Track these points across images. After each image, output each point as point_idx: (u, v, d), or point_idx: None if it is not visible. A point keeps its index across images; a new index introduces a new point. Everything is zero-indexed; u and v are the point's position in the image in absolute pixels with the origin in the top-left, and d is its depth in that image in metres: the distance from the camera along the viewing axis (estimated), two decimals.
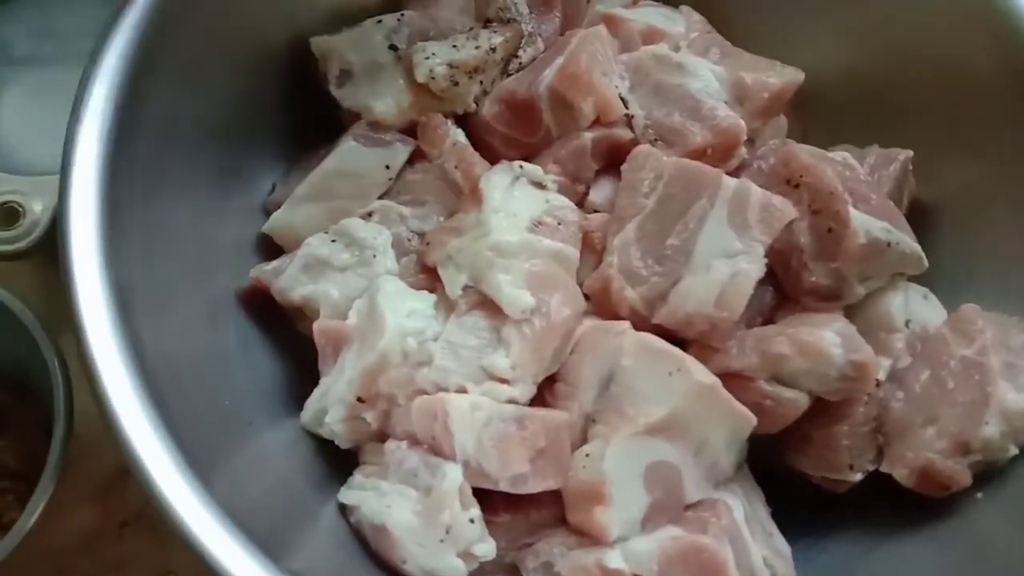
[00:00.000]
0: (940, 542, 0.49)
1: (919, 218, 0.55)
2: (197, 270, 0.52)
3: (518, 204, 0.52)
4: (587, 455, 0.47)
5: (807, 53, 0.60)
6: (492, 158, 0.56)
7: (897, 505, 0.50)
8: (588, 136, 0.55)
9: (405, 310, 0.50)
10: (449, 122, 0.56)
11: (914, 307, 0.53)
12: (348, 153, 0.55)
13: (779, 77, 0.57)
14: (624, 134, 0.55)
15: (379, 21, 0.58)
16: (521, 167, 0.53)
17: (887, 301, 0.52)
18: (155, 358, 0.43)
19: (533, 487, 0.46)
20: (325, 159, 0.56)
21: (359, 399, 0.49)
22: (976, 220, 0.57)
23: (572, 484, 0.47)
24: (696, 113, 0.54)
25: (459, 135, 0.56)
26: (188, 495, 0.40)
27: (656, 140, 0.55)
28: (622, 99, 0.56)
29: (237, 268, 0.55)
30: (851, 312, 0.52)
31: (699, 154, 0.53)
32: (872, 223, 0.50)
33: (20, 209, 0.59)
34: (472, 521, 0.45)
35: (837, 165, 0.52)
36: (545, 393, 0.50)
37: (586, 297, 0.52)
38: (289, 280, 0.53)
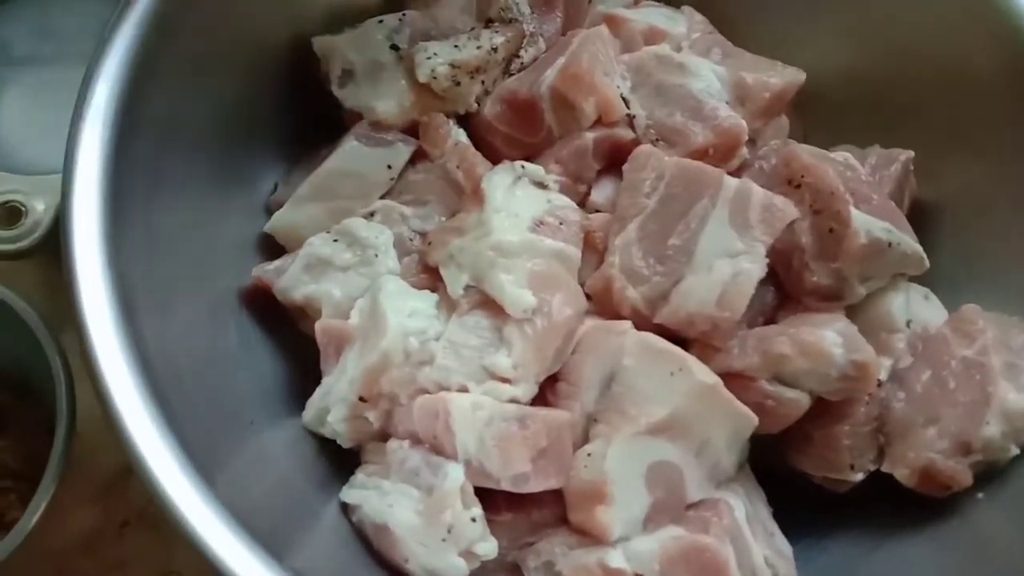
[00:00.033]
0: (941, 542, 0.49)
1: (920, 218, 0.56)
2: (199, 269, 0.52)
3: (520, 204, 0.52)
4: (589, 455, 0.47)
5: (808, 53, 0.60)
6: (494, 158, 0.56)
7: (898, 505, 0.50)
8: (590, 136, 0.55)
9: (407, 310, 0.50)
10: (451, 122, 0.56)
11: (915, 307, 0.53)
12: (350, 153, 0.56)
13: (780, 77, 0.57)
14: (626, 134, 0.55)
15: (381, 21, 0.58)
16: (523, 167, 0.53)
17: (888, 301, 0.52)
18: (157, 357, 0.43)
19: (535, 486, 0.46)
20: (327, 159, 0.56)
21: (361, 398, 0.49)
22: (977, 220, 0.57)
23: (574, 483, 0.47)
24: (698, 113, 0.54)
25: (461, 135, 0.57)
26: (191, 494, 0.40)
27: (658, 140, 0.55)
28: (624, 99, 0.56)
29: (239, 268, 0.55)
30: (852, 312, 0.52)
31: (701, 154, 0.54)
32: (873, 223, 0.50)
33: (22, 208, 0.59)
34: (474, 520, 0.45)
35: (838, 165, 0.52)
36: (547, 393, 0.50)
37: (588, 297, 0.52)
38: (291, 280, 0.53)
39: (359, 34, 0.58)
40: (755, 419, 0.48)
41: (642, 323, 0.50)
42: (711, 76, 0.56)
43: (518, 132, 0.57)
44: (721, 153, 0.54)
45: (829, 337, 0.48)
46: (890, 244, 0.50)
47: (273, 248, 0.57)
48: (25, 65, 0.68)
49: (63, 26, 0.69)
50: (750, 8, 0.64)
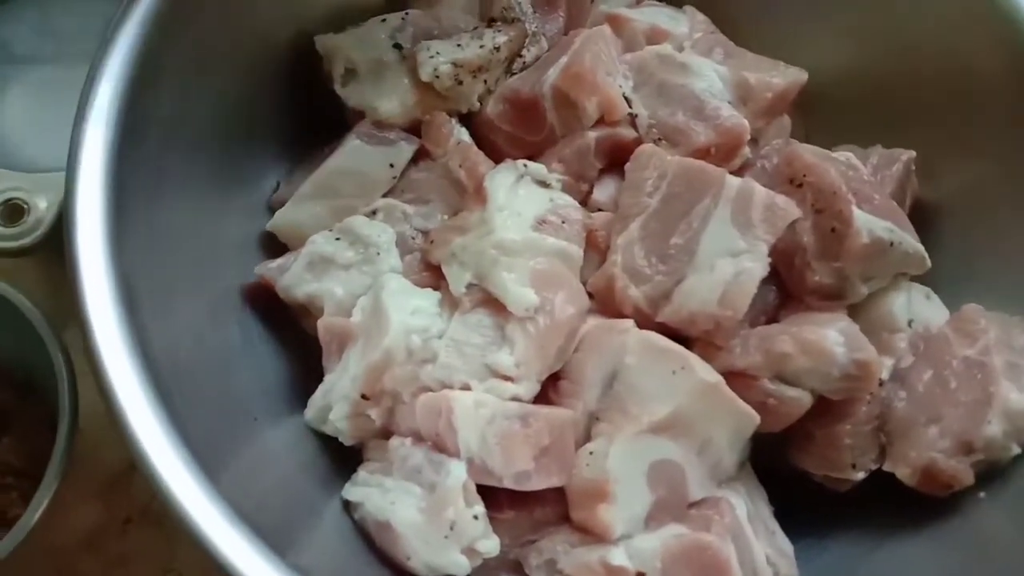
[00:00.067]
0: (942, 541, 0.50)
1: (922, 218, 0.56)
2: (202, 267, 0.52)
3: (522, 202, 0.52)
4: (591, 453, 0.47)
5: (810, 53, 0.60)
6: (496, 157, 0.56)
7: (899, 504, 0.51)
8: (592, 135, 0.55)
9: (409, 308, 0.50)
10: (453, 121, 0.57)
11: (917, 307, 0.53)
12: (352, 151, 0.56)
13: (783, 77, 0.57)
14: (628, 133, 0.56)
15: (384, 20, 0.58)
16: (525, 166, 0.54)
17: (890, 301, 0.52)
18: (161, 354, 0.43)
19: (537, 484, 0.47)
20: (329, 157, 0.56)
21: (363, 396, 0.49)
22: (979, 220, 0.57)
23: (576, 482, 0.47)
24: (700, 113, 0.55)
25: (463, 134, 0.57)
26: (194, 490, 0.40)
27: (660, 139, 0.55)
28: (626, 98, 0.56)
29: (242, 266, 0.55)
30: (854, 312, 0.52)
31: (703, 153, 0.54)
32: (875, 223, 0.50)
33: (24, 206, 0.59)
34: (476, 518, 0.46)
35: (840, 165, 0.52)
36: (549, 391, 0.50)
37: (590, 296, 0.52)
38: (293, 278, 0.53)
39: (362, 33, 0.58)
40: (757, 418, 0.48)
41: (644, 322, 0.50)
42: (713, 76, 0.56)
43: (520, 131, 0.57)
44: (723, 153, 0.54)
45: (831, 336, 0.48)
46: (892, 244, 0.50)
47: (275, 246, 0.57)
48: (27, 63, 0.69)
49: (64, 25, 0.69)
50: (752, 8, 0.64)
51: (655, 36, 0.59)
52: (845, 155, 0.54)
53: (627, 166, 0.54)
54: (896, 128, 0.59)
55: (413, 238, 0.55)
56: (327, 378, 0.52)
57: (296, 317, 0.55)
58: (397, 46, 0.57)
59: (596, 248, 0.53)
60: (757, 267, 0.49)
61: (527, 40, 0.59)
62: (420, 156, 0.57)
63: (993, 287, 0.55)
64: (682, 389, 0.47)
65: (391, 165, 0.56)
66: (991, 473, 0.49)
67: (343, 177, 0.56)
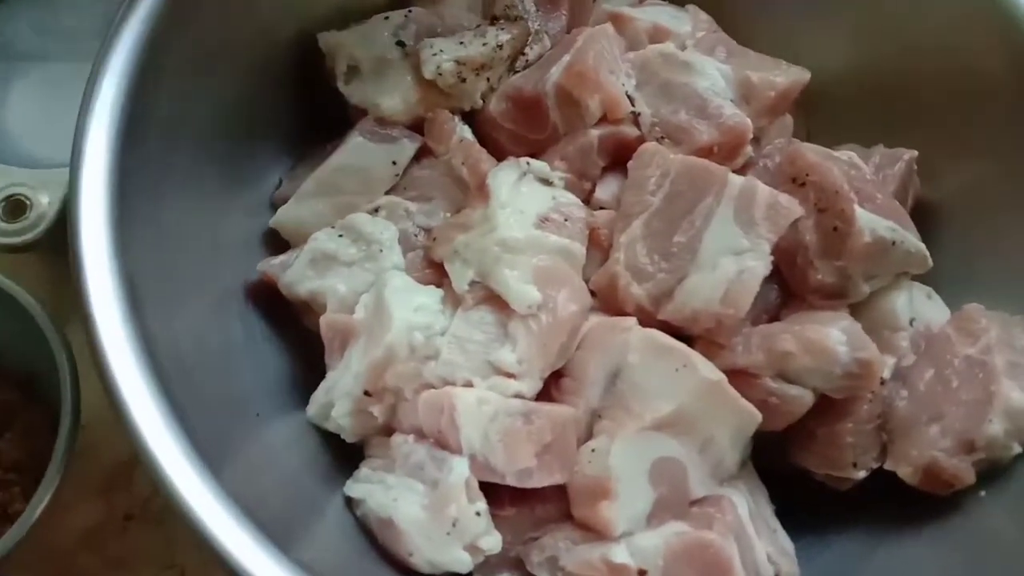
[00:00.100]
0: (943, 540, 0.50)
1: (924, 218, 0.56)
2: (205, 264, 0.52)
3: (525, 200, 0.52)
4: (593, 450, 0.47)
5: (812, 53, 0.60)
6: (499, 155, 0.56)
7: (900, 503, 0.51)
8: (595, 133, 0.55)
9: (412, 305, 0.50)
10: (456, 118, 0.57)
11: (918, 306, 0.53)
12: (355, 149, 0.56)
13: (785, 76, 0.57)
14: (631, 132, 0.56)
15: (387, 17, 0.58)
16: (528, 163, 0.54)
17: (892, 300, 0.52)
18: (164, 350, 0.43)
19: (539, 481, 0.47)
20: (332, 154, 0.56)
21: (366, 393, 0.49)
22: (980, 220, 0.57)
23: (578, 479, 0.47)
24: (702, 111, 0.55)
25: (466, 131, 0.57)
26: (197, 486, 0.40)
27: (662, 138, 0.55)
28: (629, 97, 0.56)
29: (244, 262, 0.55)
30: (856, 310, 0.52)
31: (705, 152, 0.54)
32: (877, 222, 0.50)
33: (27, 202, 0.59)
34: (478, 514, 0.46)
35: (843, 164, 0.52)
36: (551, 388, 0.50)
37: (592, 293, 0.52)
38: (296, 274, 0.53)
39: (365, 30, 0.58)
40: (759, 416, 0.48)
41: (646, 320, 0.50)
42: (716, 74, 0.56)
43: (523, 129, 0.57)
44: (726, 151, 0.54)
45: (833, 335, 0.48)
46: (894, 243, 0.51)
47: (278, 243, 0.57)
48: (29, 60, 0.69)
49: (65, 22, 0.69)
50: (754, 7, 0.64)
51: (658, 35, 0.59)
52: (847, 154, 0.54)
53: (630, 164, 0.54)
54: (897, 127, 0.59)
55: (416, 235, 0.55)
56: (329, 375, 0.52)
57: (298, 314, 0.55)
58: (400, 43, 0.57)
59: (598, 246, 0.53)
60: (759, 265, 0.49)
61: (530, 38, 0.59)
62: (423, 154, 0.57)
63: (994, 286, 0.55)
64: (684, 387, 0.47)
65: (394, 162, 0.56)
66: (992, 472, 0.50)
67: (346, 174, 0.56)
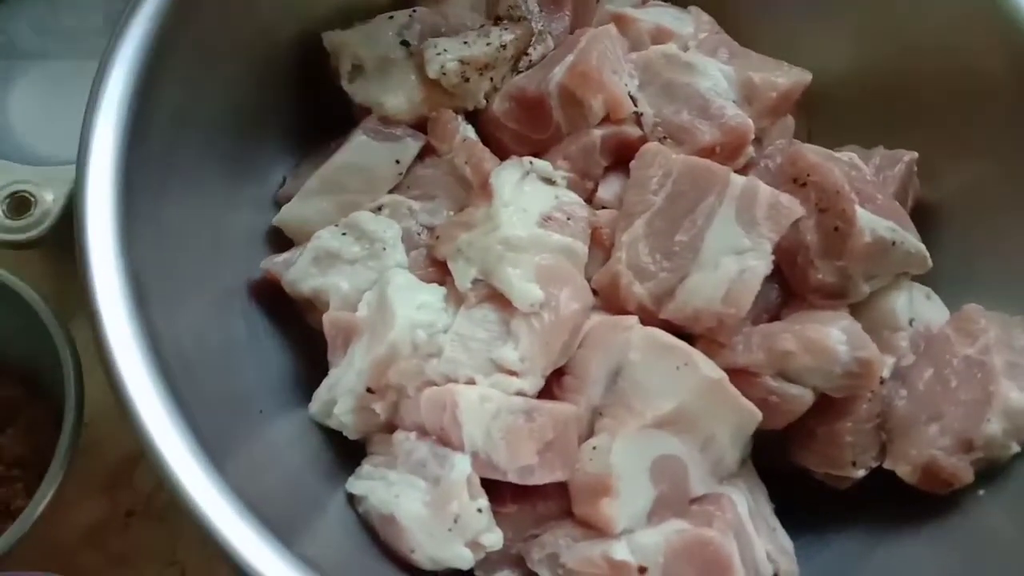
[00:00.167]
0: (942, 539, 0.50)
1: (923, 218, 0.56)
2: (208, 261, 0.52)
3: (528, 199, 0.52)
4: (594, 448, 0.47)
5: (814, 54, 0.60)
6: (502, 154, 0.56)
7: (899, 502, 0.51)
8: (597, 133, 0.55)
9: (415, 303, 0.50)
10: (459, 118, 0.57)
11: (918, 306, 0.54)
12: (359, 147, 0.56)
13: (787, 77, 0.57)
14: (633, 131, 0.56)
15: (391, 17, 0.58)
16: (531, 163, 0.54)
17: (891, 300, 0.53)
18: (169, 346, 0.44)
19: (540, 479, 0.47)
20: (336, 153, 0.56)
21: (368, 390, 0.49)
22: (980, 221, 0.57)
23: (579, 476, 0.48)
24: (705, 112, 0.55)
25: (469, 131, 0.57)
26: (202, 481, 0.40)
27: (665, 138, 0.55)
28: (631, 97, 0.56)
29: (248, 260, 0.55)
30: (856, 310, 0.52)
31: (707, 152, 0.54)
32: (878, 222, 0.51)
33: (31, 199, 0.59)
34: (480, 511, 0.46)
35: (844, 165, 0.53)
36: (553, 386, 0.50)
37: (594, 292, 0.52)
38: (299, 272, 0.54)
39: (369, 30, 0.58)
40: (759, 414, 0.48)
41: (648, 319, 0.50)
42: (718, 75, 0.56)
43: (526, 129, 0.57)
44: (728, 151, 0.54)
45: (833, 334, 0.49)
46: (894, 243, 0.51)
47: (282, 241, 0.57)
48: (32, 59, 0.69)
49: (67, 21, 0.69)
50: (756, 9, 0.65)
51: (660, 36, 0.60)
52: (848, 155, 0.55)
53: (632, 164, 0.54)
54: (898, 128, 0.59)
55: (419, 234, 0.55)
56: (332, 372, 0.52)
57: (301, 311, 0.55)
58: (404, 43, 0.57)
59: (601, 245, 0.53)
60: (761, 265, 0.49)
61: (533, 38, 0.59)
62: (426, 152, 0.57)
63: (993, 287, 0.55)
64: (685, 385, 0.47)
65: (397, 161, 0.56)
66: (991, 471, 0.50)
67: (349, 173, 0.56)
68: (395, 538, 0.47)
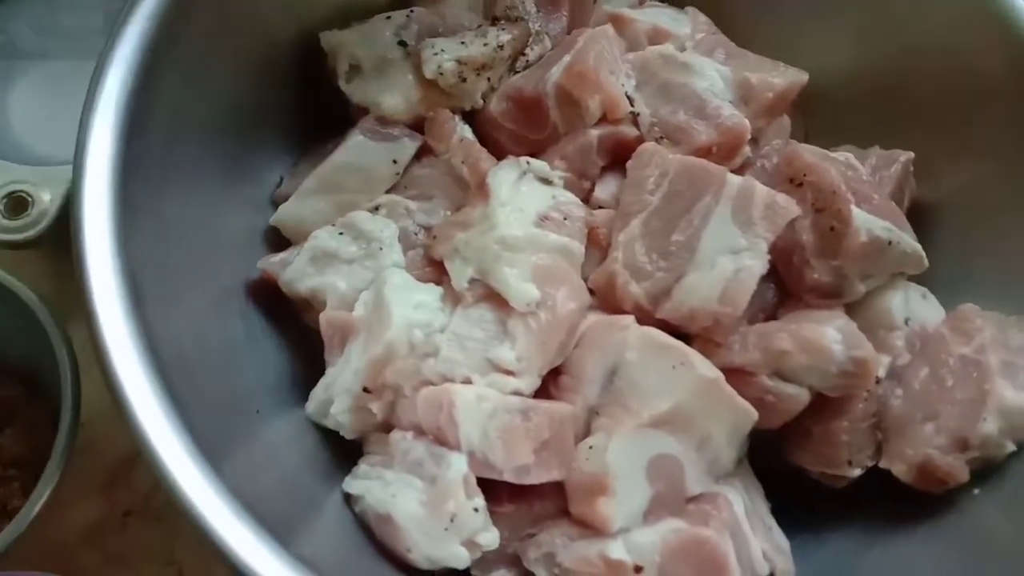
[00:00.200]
0: (937, 538, 0.50)
1: (919, 218, 0.56)
2: (206, 261, 0.52)
3: (525, 199, 0.52)
4: (591, 447, 0.47)
5: (811, 54, 0.60)
6: (499, 154, 0.56)
7: (895, 501, 0.51)
8: (594, 133, 0.55)
9: (412, 302, 0.50)
10: (456, 118, 0.57)
11: (914, 306, 0.54)
12: (356, 147, 0.56)
13: (783, 78, 0.58)
14: (630, 132, 0.56)
15: (388, 17, 0.59)
16: (528, 163, 0.54)
17: (887, 299, 0.53)
18: (165, 346, 0.43)
19: (537, 478, 0.47)
20: (333, 153, 0.56)
21: (365, 390, 0.49)
22: (976, 221, 0.57)
23: (575, 476, 0.48)
24: (701, 112, 0.55)
25: (466, 131, 0.57)
26: (198, 480, 0.40)
27: (661, 138, 0.55)
28: (628, 97, 0.56)
29: (245, 259, 0.55)
30: (852, 310, 0.52)
31: (704, 152, 0.54)
32: (874, 222, 0.51)
33: (29, 199, 0.59)
34: (476, 510, 0.46)
35: (840, 165, 0.53)
36: (550, 386, 0.50)
37: (591, 292, 0.53)
38: (296, 272, 0.54)
39: (367, 30, 0.58)
40: (755, 414, 0.48)
41: (644, 318, 0.50)
42: (715, 75, 0.56)
43: (523, 129, 0.57)
44: (724, 151, 0.54)
45: (829, 334, 0.49)
46: (890, 243, 0.51)
47: (279, 241, 0.57)
48: (31, 59, 0.69)
49: (66, 21, 0.69)
50: (753, 10, 0.65)
51: (657, 36, 0.60)
52: (844, 155, 0.55)
53: (629, 164, 0.54)
54: (896, 128, 0.59)
55: (416, 234, 0.55)
56: (329, 372, 0.52)
57: (298, 311, 0.56)
58: (402, 43, 0.57)
59: (597, 245, 0.54)
60: (757, 264, 0.49)
61: (530, 39, 0.59)
62: (423, 152, 0.57)
63: (989, 287, 0.55)
64: (682, 385, 0.47)
65: (394, 161, 0.56)
66: (986, 470, 0.50)
67: (346, 172, 0.56)
68: (392, 537, 0.47)
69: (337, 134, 0.58)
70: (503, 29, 0.58)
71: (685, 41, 0.60)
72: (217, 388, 0.48)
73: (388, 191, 0.57)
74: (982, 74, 0.56)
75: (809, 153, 0.53)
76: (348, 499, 0.50)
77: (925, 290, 0.55)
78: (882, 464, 0.51)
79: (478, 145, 0.56)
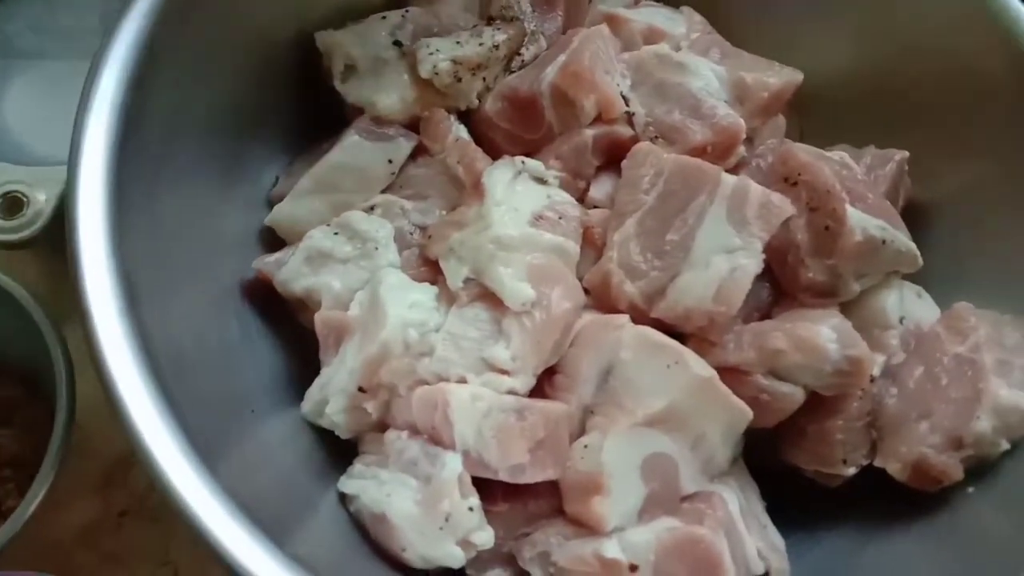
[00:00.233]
0: (932, 536, 0.50)
1: (914, 217, 0.56)
2: (201, 261, 0.52)
3: (520, 198, 0.52)
4: (585, 446, 0.47)
5: (806, 54, 0.61)
6: (494, 154, 0.56)
7: (890, 499, 0.51)
8: (589, 133, 0.55)
9: (407, 302, 0.50)
10: (452, 118, 0.57)
11: (908, 304, 0.54)
12: (351, 147, 0.56)
13: (778, 77, 0.58)
14: (625, 131, 0.56)
15: (384, 17, 0.59)
16: (523, 162, 0.54)
17: (882, 298, 0.53)
18: (160, 346, 0.43)
19: (531, 477, 0.47)
20: (328, 152, 0.56)
21: (360, 389, 0.49)
22: (971, 220, 0.57)
23: (570, 475, 0.48)
24: (696, 111, 0.55)
25: (462, 131, 0.57)
26: (193, 481, 0.40)
27: (656, 137, 0.55)
28: (623, 97, 0.56)
29: (240, 259, 0.55)
30: (846, 309, 0.52)
31: (699, 152, 0.54)
32: (868, 221, 0.51)
33: (24, 199, 0.59)
34: (471, 510, 0.46)
35: (835, 164, 0.53)
36: (544, 385, 0.50)
37: (586, 291, 0.53)
38: (291, 272, 0.54)
39: (362, 30, 0.58)
40: (750, 413, 0.48)
41: (639, 317, 0.50)
42: (710, 75, 0.57)
43: (519, 128, 0.57)
44: (719, 151, 0.55)
45: (824, 332, 0.49)
46: (884, 242, 0.51)
47: (274, 241, 0.57)
48: (28, 59, 0.69)
49: (64, 21, 0.69)
50: (748, 9, 0.65)
51: (653, 36, 0.60)
52: (839, 155, 0.55)
53: (624, 163, 0.54)
54: (894, 128, 0.59)
55: (411, 233, 0.55)
56: (324, 371, 0.52)
57: (294, 311, 0.56)
58: (397, 43, 0.57)
59: (592, 244, 0.54)
60: (752, 264, 0.49)
61: (526, 39, 0.60)
62: (418, 152, 0.57)
63: (984, 286, 0.55)
64: (676, 384, 0.47)
65: (390, 161, 0.56)
66: (980, 468, 0.50)
67: (342, 172, 0.56)
68: (386, 537, 0.47)
69: (333, 134, 0.58)
70: (498, 29, 0.58)
71: (680, 41, 0.60)
72: (212, 388, 0.48)
73: (383, 191, 0.57)
74: (982, 74, 0.56)
75: (804, 152, 0.53)
76: (343, 499, 0.50)
77: (920, 289, 0.55)
78: (877, 463, 0.51)
79: (473, 145, 0.56)
